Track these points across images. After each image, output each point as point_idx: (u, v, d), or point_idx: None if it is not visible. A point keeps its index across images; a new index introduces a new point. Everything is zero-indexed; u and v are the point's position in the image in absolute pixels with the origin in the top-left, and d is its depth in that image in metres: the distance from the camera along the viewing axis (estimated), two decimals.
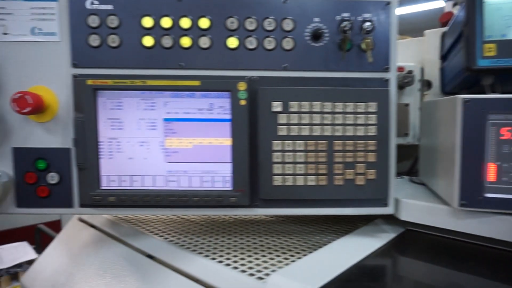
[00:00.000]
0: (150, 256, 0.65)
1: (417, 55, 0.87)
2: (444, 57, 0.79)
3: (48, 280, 0.75)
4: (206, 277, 0.55)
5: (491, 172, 0.52)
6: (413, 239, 0.62)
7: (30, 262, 1.52)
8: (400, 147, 0.64)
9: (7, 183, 0.58)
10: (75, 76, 0.57)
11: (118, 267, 0.69)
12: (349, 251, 0.56)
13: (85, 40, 0.57)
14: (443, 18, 0.87)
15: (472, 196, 0.53)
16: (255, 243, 0.66)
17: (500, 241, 0.54)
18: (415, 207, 0.61)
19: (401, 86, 0.81)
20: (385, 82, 0.58)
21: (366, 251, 0.55)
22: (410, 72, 0.81)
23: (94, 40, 0.57)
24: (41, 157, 0.59)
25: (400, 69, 0.81)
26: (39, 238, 1.79)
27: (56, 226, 1.96)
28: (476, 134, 0.52)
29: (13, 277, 1.50)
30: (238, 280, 0.52)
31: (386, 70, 0.58)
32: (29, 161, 0.59)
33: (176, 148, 0.59)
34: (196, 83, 0.56)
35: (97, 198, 0.58)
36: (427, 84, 0.83)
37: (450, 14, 0.86)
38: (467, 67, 0.54)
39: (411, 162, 0.87)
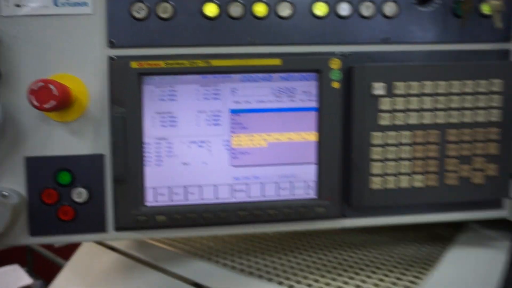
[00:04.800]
0: (197, 285, 0.52)
1: None
2: None
3: None
4: None
5: None
6: None
7: None
8: None
9: (17, 206, 0.44)
10: (112, 59, 0.44)
11: None
12: (475, 271, 0.47)
13: (127, 10, 0.44)
14: None
15: None
16: (329, 260, 0.55)
17: None
18: None
19: None
20: (506, 54, 0.49)
21: (496, 269, 0.43)
22: None
23: (139, 10, 0.44)
24: (64, 168, 0.45)
25: None
26: (31, 259, 1.55)
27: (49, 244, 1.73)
28: None
29: None
30: None
31: (508, 39, 0.46)
32: (48, 174, 0.45)
33: (246, 148, 0.47)
34: (276, 61, 0.45)
35: (142, 219, 0.45)
36: None
37: None
38: None
39: None
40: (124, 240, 0.50)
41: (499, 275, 0.44)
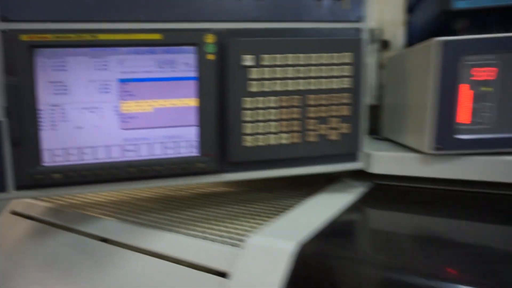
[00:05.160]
0: (104, 240, 0.59)
1: (376, 15, 0.85)
2: (411, 9, 0.77)
3: None
4: (173, 252, 0.52)
5: (465, 113, 0.51)
6: (385, 192, 0.61)
7: None
8: None
9: None
10: (3, 32, 0.47)
11: (66, 257, 0.60)
12: (323, 208, 0.56)
13: None
14: None
15: (447, 139, 0.53)
16: (220, 213, 0.63)
17: (470, 182, 0.57)
18: (386, 158, 0.60)
19: None
20: (358, 31, 0.57)
21: (340, 206, 0.55)
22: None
23: None
24: None
25: None
26: None
27: None
28: (450, 76, 0.51)
29: None
30: (212, 249, 0.49)
31: (359, 19, 0.55)
32: None
33: (134, 113, 0.53)
34: (157, 36, 0.51)
35: (39, 177, 0.50)
36: (384, 45, 0.82)
37: None
38: (443, 10, 0.52)
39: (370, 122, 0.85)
40: (24, 198, 0.54)
41: (334, 215, 0.54)
